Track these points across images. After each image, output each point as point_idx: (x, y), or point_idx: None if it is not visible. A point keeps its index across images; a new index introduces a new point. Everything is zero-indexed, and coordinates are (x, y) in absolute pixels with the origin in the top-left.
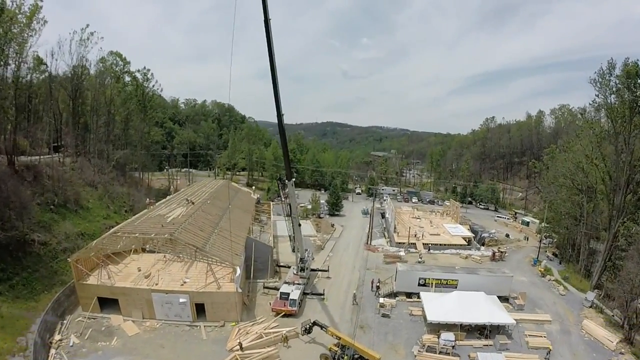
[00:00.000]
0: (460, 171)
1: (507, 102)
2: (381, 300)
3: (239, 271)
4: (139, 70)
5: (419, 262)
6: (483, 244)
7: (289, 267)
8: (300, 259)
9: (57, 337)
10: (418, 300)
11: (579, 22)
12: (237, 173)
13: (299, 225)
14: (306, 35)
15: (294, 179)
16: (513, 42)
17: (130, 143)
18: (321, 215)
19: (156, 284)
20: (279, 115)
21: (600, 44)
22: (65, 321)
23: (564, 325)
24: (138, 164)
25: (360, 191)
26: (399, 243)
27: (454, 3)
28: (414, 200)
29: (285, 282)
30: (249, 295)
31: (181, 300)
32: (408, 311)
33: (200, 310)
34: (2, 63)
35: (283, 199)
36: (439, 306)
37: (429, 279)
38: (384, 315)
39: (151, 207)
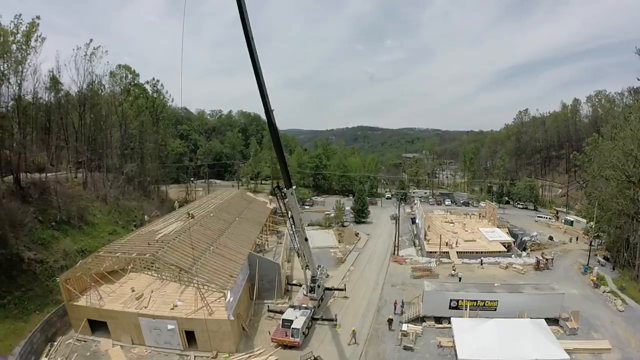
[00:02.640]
0: (495, 169)
1: (538, 94)
2: (404, 327)
3: (229, 296)
4: (147, 82)
5: (452, 275)
6: (524, 249)
7: (301, 285)
8: (312, 277)
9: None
10: (449, 326)
11: (603, 5)
12: (262, 182)
13: (306, 239)
14: (329, 42)
15: (294, 187)
16: (538, 32)
17: (144, 156)
18: (345, 224)
19: (145, 307)
20: (267, 111)
21: (624, 27)
22: (55, 343)
23: (627, 355)
24: (151, 177)
25: (390, 195)
26: (430, 252)
27: None
28: (447, 203)
29: (291, 306)
30: (251, 320)
31: (169, 326)
32: (436, 341)
33: (191, 337)
34: (2, 81)
35: (284, 211)
36: (474, 339)
37: (463, 300)
38: (405, 348)
39: (154, 220)
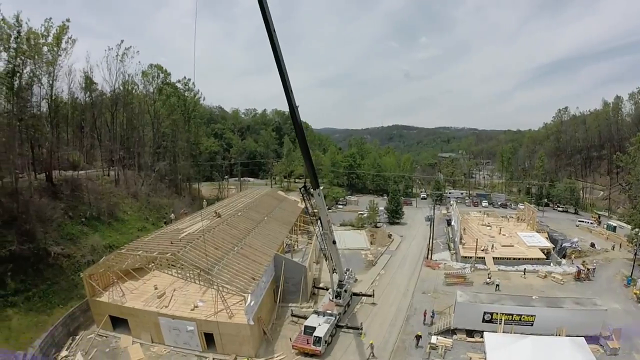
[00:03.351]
0: (534, 170)
1: (577, 91)
2: (433, 339)
3: (250, 299)
4: (179, 81)
5: (487, 283)
6: (564, 256)
7: (328, 289)
8: (339, 282)
9: (63, 353)
10: (481, 340)
11: None
12: (295, 180)
13: (334, 242)
14: (364, 40)
15: (321, 188)
16: (576, 26)
17: (175, 154)
18: (378, 225)
19: (165, 307)
20: (292, 108)
21: None
22: (77, 337)
23: None
24: (182, 175)
25: (425, 196)
26: (465, 257)
27: None
28: (484, 204)
29: (315, 312)
30: (274, 324)
31: (188, 328)
32: (467, 357)
33: (210, 339)
34: (34, 81)
35: (310, 213)
36: (508, 357)
37: (498, 313)
38: None
39: (182, 218)
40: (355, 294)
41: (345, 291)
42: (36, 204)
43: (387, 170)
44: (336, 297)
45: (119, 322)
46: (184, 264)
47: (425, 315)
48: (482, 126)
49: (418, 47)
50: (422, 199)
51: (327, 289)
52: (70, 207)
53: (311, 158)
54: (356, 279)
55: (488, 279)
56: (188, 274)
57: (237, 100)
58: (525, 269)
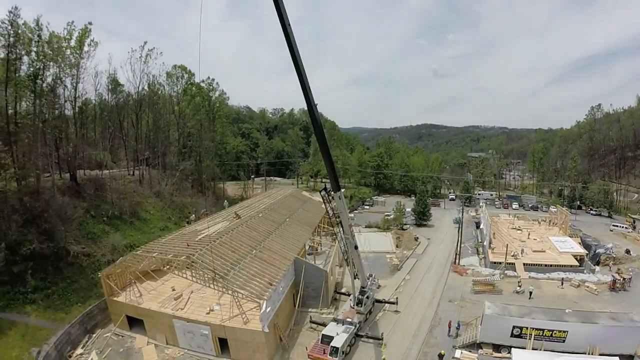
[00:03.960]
0: (566, 170)
1: (611, 88)
2: (457, 353)
3: (265, 306)
4: (203, 81)
5: (517, 292)
6: (598, 263)
7: (350, 295)
8: (361, 288)
9: (78, 351)
10: (508, 356)
11: None
12: (322, 180)
13: (356, 247)
14: (391, 38)
15: (343, 190)
16: (608, 20)
17: (200, 153)
18: (405, 227)
19: (181, 309)
20: (310, 105)
21: None
22: (94, 335)
23: None
24: (206, 174)
25: (454, 197)
26: (494, 263)
27: None
28: (514, 206)
29: (334, 320)
30: (291, 330)
31: (203, 332)
32: None
33: (225, 344)
34: (58, 84)
35: (330, 215)
36: None
37: (528, 328)
38: None
39: (203, 219)
40: (377, 301)
41: (367, 298)
42: (57, 203)
43: (415, 170)
44: (357, 304)
45: (135, 322)
46: (198, 268)
47: (449, 327)
48: (512, 125)
49: (446, 45)
50: (450, 200)
51: (349, 295)
52: (92, 206)
53: (331, 158)
54: (379, 285)
55: (518, 288)
56: (202, 278)
57: (267, 100)
58: (562, 278)
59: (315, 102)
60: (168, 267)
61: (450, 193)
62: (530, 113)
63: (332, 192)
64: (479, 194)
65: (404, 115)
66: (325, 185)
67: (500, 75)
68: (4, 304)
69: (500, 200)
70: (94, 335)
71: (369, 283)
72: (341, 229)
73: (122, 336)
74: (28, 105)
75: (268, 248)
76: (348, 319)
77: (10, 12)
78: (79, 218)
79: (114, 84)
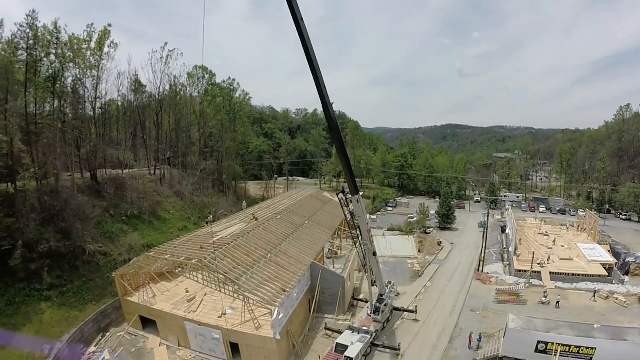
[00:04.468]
0: (595, 172)
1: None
2: None
3: (277, 313)
4: (224, 81)
5: (542, 302)
6: (627, 273)
7: (368, 302)
8: (379, 296)
9: (91, 349)
10: None
11: None
12: (345, 181)
13: (374, 254)
14: (415, 37)
15: (361, 193)
16: (636, 15)
17: (221, 153)
18: (428, 230)
19: (193, 312)
20: (325, 104)
21: None
22: (108, 333)
23: None
24: (227, 174)
25: (479, 199)
26: (519, 271)
27: None
28: (541, 210)
29: (349, 328)
30: (306, 337)
31: (214, 335)
32: None
33: (236, 349)
34: (78, 85)
35: (348, 219)
36: None
37: (553, 343)
38: None
39: (222, 219)
40: (396, 309)
41: (386, 305)
42: (76, 202)
43: (440, 171)
44: (374, 312)
45: (149, 322)
46: (210, 271)
47: (470, 339)
48: (538, 125)
49: (470, 43)
50: (475, 202)
51: (367, 302)
52: (112, 205)
53: (349, 160)
54: (398, 293)
55: (544, 298)
56: (214, 282)
57: (291, 100)
58: (595, 290)
59: (332, 101)
60: (180, 269)
61: (475, 195)
62: (556, 113)
63: (350, 195)
64: (505, 196)
65: (428, 115)
66: (343, 187)
67: (525, 74)
68: (19, 300)
69: (526, 203)
70: (107, 333)
71: (387, 290)
72: (359, 235)
73: (136, 336)
74: (48, 106)
75: (284, 252)
76: (364, 328)
77: (28, 15)
78: (97, 217)
79: (137, 85)
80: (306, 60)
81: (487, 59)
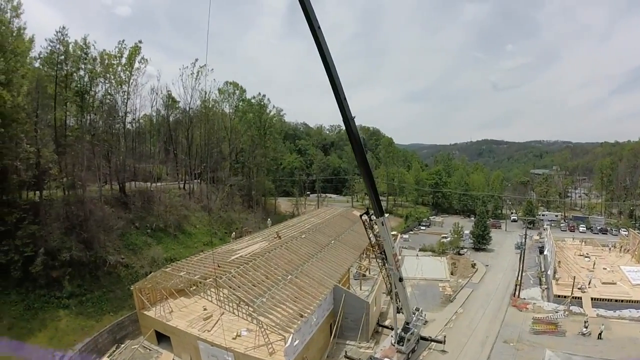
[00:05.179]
0: (637, 188)
1: None
2: None
3: (291, 340)
4: (254, 97)
5: (583, 333)
6: None
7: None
8: (404, 324)
9: (104, 359)
10: None
11: None
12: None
13: (401, 279)
14: (447, 52)
15: (386, 216)
16: None
17: (251, 169)
18: (462, 251)
19: (207, 331)
20: (345, 118)
21: None
22: (122, 345)
23: None
24: (256, 190)
25: (516, 218)
26: (558, 296)
27: None
28: (581, 229)
29: (371, 358)
30: None
31: (227, 358)
32: None
33: None
34: (108, 99)
35: (372, 243)
36: None
37: None
38: None
39: (245, 236)
40: (422, 338)
41: (412, 334)
42: (100, 213)
43: (475, 189)
44: (398, 342)
45: (164, 337)
46: (223, 292)
47: None
48: (576, 138)
49: (505, 56)
50: (512, 221)
51: (392, 329)
52: (137, 217)
53: (372, 177)
54: (426, 321)
55: (584, 329)
56: (227, 303)
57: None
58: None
59: (353, 115)
60: (194, 287)
61: (512, 214)
62: (594, 125)
63: (374, 217)
64: (542, 215)
65: (463, 131)
66: (367, 208)
67: (561, 86)
68: (38, 306)
69: (565, 222)
70: (122, 345)
71: (414, 318)
72: (384, 259)
73: (150, 350)
74: (77, 119)
75: (306, 273)
76: (386, 358)
77: (57, 31)
78: (121, 229)
79: (170, 101)
80: (325, 72)
81: (522, 72)
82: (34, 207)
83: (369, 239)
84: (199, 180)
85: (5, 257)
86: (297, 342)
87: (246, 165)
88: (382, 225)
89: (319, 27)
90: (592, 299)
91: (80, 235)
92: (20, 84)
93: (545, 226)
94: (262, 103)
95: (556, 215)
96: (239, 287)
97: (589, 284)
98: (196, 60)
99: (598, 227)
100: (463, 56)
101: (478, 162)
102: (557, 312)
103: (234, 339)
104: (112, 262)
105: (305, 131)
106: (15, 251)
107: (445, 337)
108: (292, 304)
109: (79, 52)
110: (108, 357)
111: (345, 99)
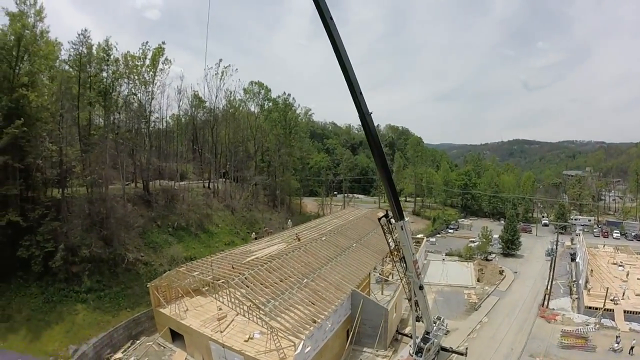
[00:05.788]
0: None
1: None
2: None
3: (302, 347)
4: (279, 96)
5: (614, 349)
6: None
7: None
8: (424, 334)
9: (118, 355)
10: None
11: None
12: (406, 199)
13: (421, 287)
14: (477, 49)
15: (406, 220)
16: None
17: (277, 168)
18: (490, 257)
19: (220, 332)
20: (361, 113)
21: None
22: (137, 341)
23: None
24: (281, 190)
25: (547, 222)
26: (589, 308)
27: None
28: (615, 235)
29: None
30: None
31: None
32: None
33: None
34: (132, 99)
35: (391, 248)
36: None
37: None
38: None
39: (264, 237)
40: (443, 349)
41: (432, 344)
42: (121, 212)
43: (506, 191)
44: (417, 352)
45: (178, 335)
46: (235, 294)
47: None
48: (610, 139)
49: (536, 54)
50: (543, 225)
51: (412, 337)
52: (160, 215)
53: (391, 178)
54: (447, 331)
55: (616, 345)
56: (239, 305)
57: (353, 115)
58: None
59: (370, 110)
60: (207, 288)
61: (543, 217)
62: (629, 124)
63: (393, 221)
64: (575, 219)
65: (494, 131)
66: (387, 210)
67: (594, 84)
68: (57, 299)
69: (599, 227)
70: (137, 341)
71: (434, 328)
72: (404, 266)
73: (164, 347)
74: (102, 119)
75: (323, 277)
76: None
77: (79, 34)
78: (142, 226)
79: (197, 101)
80: (338, 65)
81: (553, 70)
82: (56, 204)
83: (388, 244)
84: (224, 179)
85: (27, 252)
86: (308, 348)
87: (272, 164)
88: (402, 229)
89: (331, 18)
90: (624, 311)
91: (100, 232)
92: (44, 85)
93: (577, 231)
94: (287, 102)
95: (589, 220)
96: (251, 289)
97: (623, 295)
98: (220, 60)
99: (633, 234)
100: (493, 54)
101: (509, 163)
102: (587, 325)
103: (246, 341)
104: (131, 260)
105: (333, 130)
106: (37, 246)
107: (467, 348)
108: (305, 309)
109: (102, 54)
110: (122, 352)
111: (360, 93)
